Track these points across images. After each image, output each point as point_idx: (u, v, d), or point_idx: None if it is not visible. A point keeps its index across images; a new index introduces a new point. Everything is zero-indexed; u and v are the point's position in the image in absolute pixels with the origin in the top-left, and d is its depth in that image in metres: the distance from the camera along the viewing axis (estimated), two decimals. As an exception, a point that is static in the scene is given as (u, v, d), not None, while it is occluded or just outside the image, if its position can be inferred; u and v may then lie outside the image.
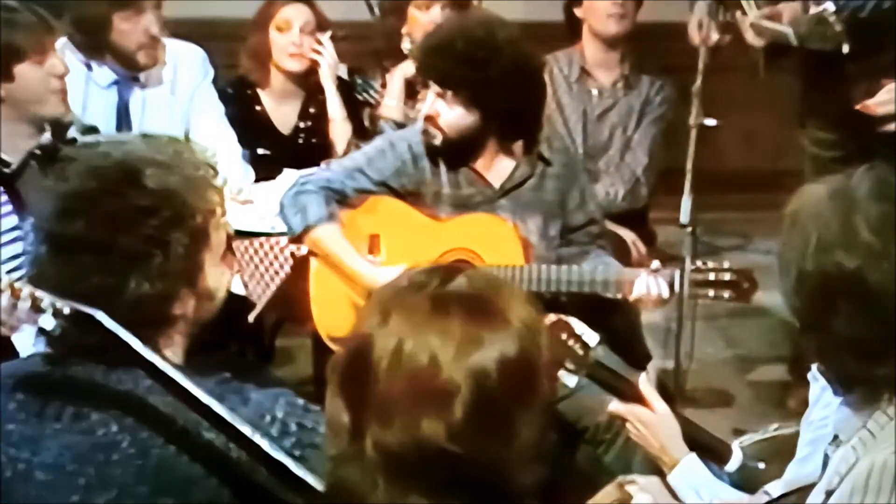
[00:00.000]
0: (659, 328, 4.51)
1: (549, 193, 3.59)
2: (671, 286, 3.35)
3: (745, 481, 2.54)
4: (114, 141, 2.11)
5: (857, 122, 3.97)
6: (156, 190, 1.96)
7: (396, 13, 4.43)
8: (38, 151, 3.22)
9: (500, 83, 3.38)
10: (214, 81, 4.23)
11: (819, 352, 1.99)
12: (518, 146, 3.57)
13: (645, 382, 2.58)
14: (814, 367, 2.20)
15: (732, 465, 2.59)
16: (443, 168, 3.55)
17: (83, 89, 3.89)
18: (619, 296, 3.41)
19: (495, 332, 1.59)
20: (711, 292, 3.35)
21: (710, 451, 2.59)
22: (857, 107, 3.88)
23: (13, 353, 2.82)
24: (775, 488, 2.36)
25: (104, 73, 3.97)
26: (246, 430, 1.84)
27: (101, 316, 1.88)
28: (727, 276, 3.34)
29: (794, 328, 2.00)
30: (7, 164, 3.20)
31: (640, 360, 3.77)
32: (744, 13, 4.07)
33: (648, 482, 2.38)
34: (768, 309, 4.51)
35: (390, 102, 4.33)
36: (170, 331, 2.01)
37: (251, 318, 3.77)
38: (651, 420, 2.53)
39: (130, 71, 3.98)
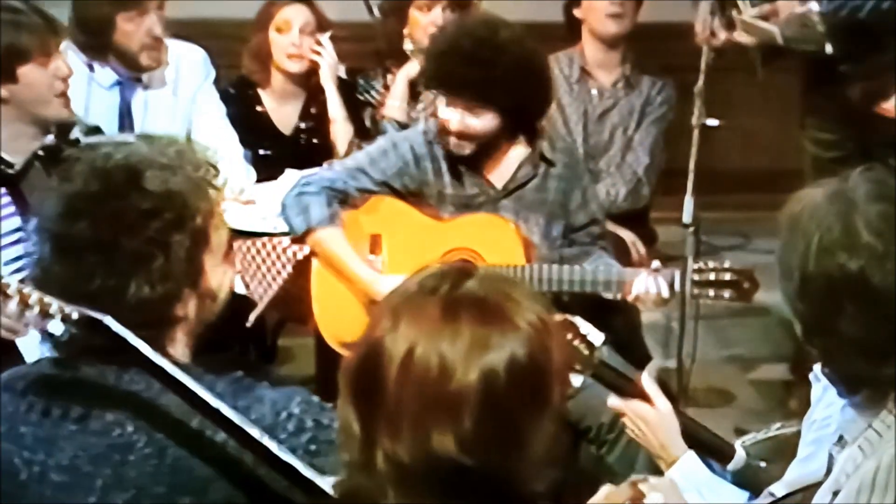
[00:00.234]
0: (659, 328, 4.52)
1: (552, 194, 3.59)
2: (671, 286, 3.35)
3: (748, 481, 2.54)
4: (115, 143, 2.10)
5: (857, 123, 3.98)
6: (158, 192, 1.96)
7: (397, 14, 4.43)
8: (41, 153, 3.22)
9: (511, 81, 3.39)
10: (216, 82, 4.23)
11: (824, 354, 2.00)
12: (522, 146, 3.58)
13: (647, 380, 2.58)
14: (816, 366, 2.21)
15: (735, 464, 2.59)
16: (445, 168, 3.56)
17: (85, 90, 3.88)
18: (619, 296, 3.42)
19: (504, 334, 1.58)
20: (712, 292, 3.36)
21: (714, 450, 2.59)
22: (876, 110, 3.87)
23: (18, 356, 2.83)
24: (779, 489, 2.36)
25: (106, 74, 3.97)
26: (254, 432, 1.85)
27: (108, 320, 1.88)
28: (728, 276, 3.35)
29: (796, 329, 2.01)
30: (10, 165, 3.20)
31: (639, 360, 3.77)
32: (739, 12, 4.07)
33: (660, 482, 2.38)
34: (769, 308, 4.52)
35: (393, 103, 4.33)
36: (174, 331, 2.02)
37: (251, 318, 3.77)
38: (652, 417, 2.53)
39: (134, 72, 3.98)
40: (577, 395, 3.15)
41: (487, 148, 3.52)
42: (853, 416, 1.96)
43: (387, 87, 4.41)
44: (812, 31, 3.88)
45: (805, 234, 1.93)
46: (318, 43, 4.36)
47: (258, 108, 4.43)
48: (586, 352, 2.56)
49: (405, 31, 4.37)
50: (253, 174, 4.15)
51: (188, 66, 4.13)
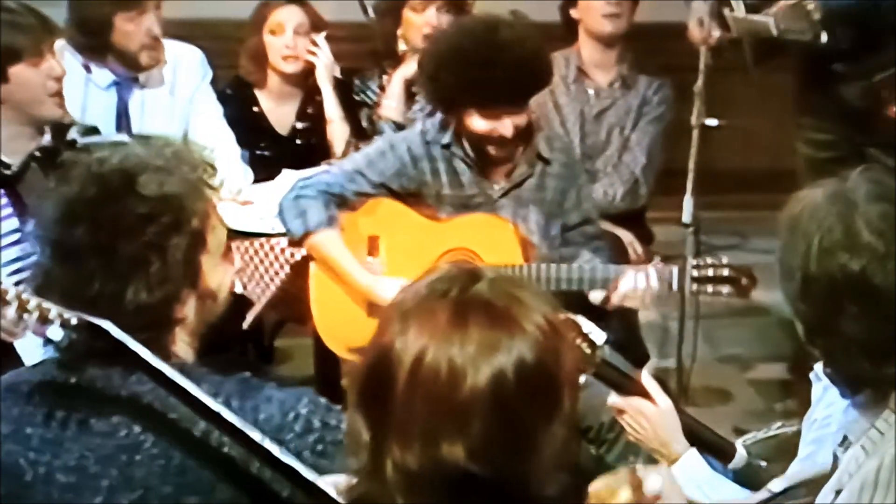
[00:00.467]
0: (658, 327, 4.52)
1: (551, 193, 3.59)
2: (669, 285, 3.35)
3: (749, 480, 2.54)
4: (111, 145, 2.09)
5: (854, 124, 3.97)
6: (154, 196, 1.96)
7: (392, 15, 4.43)
8: (38, 154, 3.22)
9: (538, 75, 3.45)
10: (213, 82, 4.23)
11: (826, 354, 2.00)
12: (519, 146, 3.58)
13: (648, 377, 2.58)
14: (816, 366, 2.21)
15: (737, 463, 2.59)
16: (443, 168, 3.55)
17: (82, 91, 3.89)
18: (605, 293, 3.39)
19: (512, 337, 1.57)
20: (710, 288, 3.35)
21: (715, 448, 2.59)
22: (888, 113, 3.86)
23: (16, 357, 2.83)
24: (777, 484, 2.36)
25: (103, 75, 3.96)
26: (255, 435, 1.84)
27: (108, 326, 1.88)
28: (726, 272, 3.34)
29: (797, 329, 2.01)
30: (8, 167, 3.20)
31: (638, 360, 3.77)
32: (731, 9, 4.06)
33: (659, 469, 2.37)
34: (767, 308, 4.52)
35: (390, 103, 4.33)
36: (176, 332, 2.02)
37: (248, 319, 3.77)
38: (652, 414, 2.52)
39: (132, 72, 3.98)
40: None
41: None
42: (856, 416, 1.96)
43: (383, 88, 4.41)
44: (807, 21, 3.85)
45: (806, 235, 1.93)
46: (314, 43, 4.37)
47: (255, 109, 4.43)
48: (588, 351, 2.56)
49: (399, 32, 4.37)
50: (250, 174, 4.15)
51: (186, 66, 4.13)
